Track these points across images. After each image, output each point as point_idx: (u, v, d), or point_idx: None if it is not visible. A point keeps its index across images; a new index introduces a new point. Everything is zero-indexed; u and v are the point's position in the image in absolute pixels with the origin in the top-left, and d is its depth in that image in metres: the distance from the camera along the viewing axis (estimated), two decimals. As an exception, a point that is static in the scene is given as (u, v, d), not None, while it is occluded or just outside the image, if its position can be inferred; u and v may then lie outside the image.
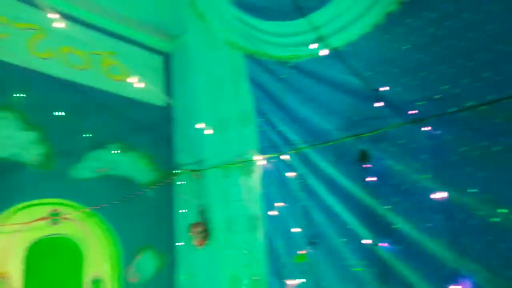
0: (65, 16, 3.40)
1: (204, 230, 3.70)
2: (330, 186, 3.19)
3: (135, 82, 3.70)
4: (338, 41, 3.10)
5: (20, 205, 2.92)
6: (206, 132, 3.80)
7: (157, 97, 4.08)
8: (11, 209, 2.87)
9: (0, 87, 3.07)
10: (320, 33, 3.02)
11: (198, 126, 3.82)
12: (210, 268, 3.67)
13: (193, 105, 4.04)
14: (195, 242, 3.69)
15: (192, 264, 3.80)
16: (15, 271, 2.77)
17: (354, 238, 3.02)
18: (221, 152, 3.80)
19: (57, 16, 2.93)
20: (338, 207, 3.10)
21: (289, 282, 3.16)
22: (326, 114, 3.29)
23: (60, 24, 3.00)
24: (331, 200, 3.16)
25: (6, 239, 2.76)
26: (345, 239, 3.05)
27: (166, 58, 4.32)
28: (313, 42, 3.12)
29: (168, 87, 4.26)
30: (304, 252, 3.14)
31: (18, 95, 3.14)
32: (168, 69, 4.30)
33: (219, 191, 3.75)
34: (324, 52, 3.08)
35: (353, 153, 3.13)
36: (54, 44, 3.43)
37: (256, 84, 3.73)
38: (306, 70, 3.40)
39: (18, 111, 3.11)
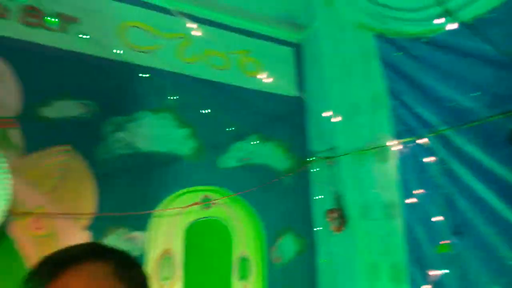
0: (204, 21, 3.82)
1: (340, 216, 3.75)
2: (476, 171, 2.92)
3: (268, 76, 3.95)
4: (478, 9, 2.81)
5: (178, 192, 3.41)
6: (335, 119, 3.84)
7: (290, 88, 4.26)
8: (172, 196, 3.38)
9: (159, 92, 3.59)
10: (456, 2, 2.78)
11: (327, 113, 3.88)
12: (348, 254, 3.71)
13: (324, 92, 4.10)
14: (332, 227, 3.77)
15: (330, 249, 3.90)
16: (177, 248, 3.27)
17: (507, 228, 2.73)
18: (354, 138, 3.78)
19: (195, 25, 3.31)
20: (487, 194, 2.83)
21: (431, 272, 3.03)
22: (469, 91, 3.00)
23: (198, 32, 3.38)
24: (478, 186, 2.89)
25: (168, 221, 3.28)
26: (496, 229, 2.78)
27: (297, 48, 4.45)
28: (448, 14, 2.88)
29: (300, 77, 4.39)
30: (447, 242, 2.96)
31: (172, 97, 3.64)
32: (299, 60, 4.44)
33: (353, 178, 3.76)
34: (454, 25, 2.82)
35: (503, 132, 2.81)
36: (198, 49, 3.86)
37: (388, 65, 3.60)
38: (442, 44, 3.14)
39: (173, 111, 3.61)
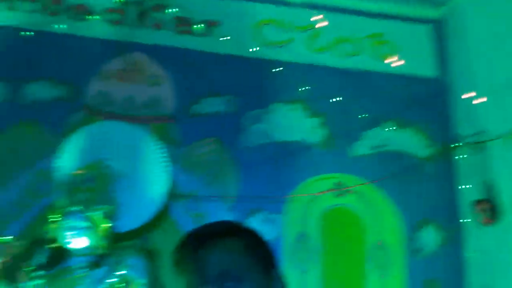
0: (333, 9, 3.86)
1: (491, 207, 3.41)
2: None
3: (403, 58, 3.80)
4: None
5: (312, 179, 3.55)
6: (482, 100, 3.50)
7: (428, 70, 4.01)
8: (306, 182, 3.54)
9: (292, 84, 3.77)
10: None
11: (473, 94, 3.56)
12: (502, 249, 3.37)
13: (470, 71, 3.77)
14: (481, 220, 3.46)
15: (480, 243, 3.56)
16: (312, 232, 3.43)
17: None
18: (506, 120, 3.41)
19: (322, 16, 3.39)
20: None
21: None
22: None
23: (326, 22, 3.46)
24: None
25: (303, 207, 3.46)
26: None
27: (436, 26, 4.13)
28: None
29: (441, 57, 4.09)
30: None
31: (304, 88, 3.78)
32: (439, 38, 4.12)
33: (507, 165, 3.39)
34: None
35: None
36: (328, 38, 3.91)
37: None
38: None
39: (305, 101, 3.76)
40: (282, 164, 3.52)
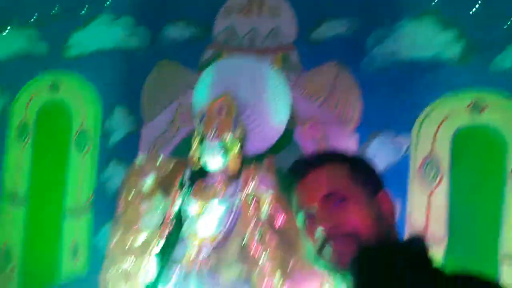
0: None
1: None
2: None
3: None
4: None
5: (444, 97, 3.29)
6: None
7: None
8: (437, 101, 3.29)
9: None
10: None
11: None
12: None
13: None
14: None
15: None
16: (443, 153, 3.23)
17: None
18: None
19: None
20: None
21: None
22: None
23: None
24: None
25: (434, 126, 3.25)
26: None
27: None
28: None
29: None
30: None
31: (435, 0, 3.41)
32: None
33: None
34: None
35: None
36: None
37: None
38: None
39: (437, 13, 3.41)
40: (410, 84, 3.33)
